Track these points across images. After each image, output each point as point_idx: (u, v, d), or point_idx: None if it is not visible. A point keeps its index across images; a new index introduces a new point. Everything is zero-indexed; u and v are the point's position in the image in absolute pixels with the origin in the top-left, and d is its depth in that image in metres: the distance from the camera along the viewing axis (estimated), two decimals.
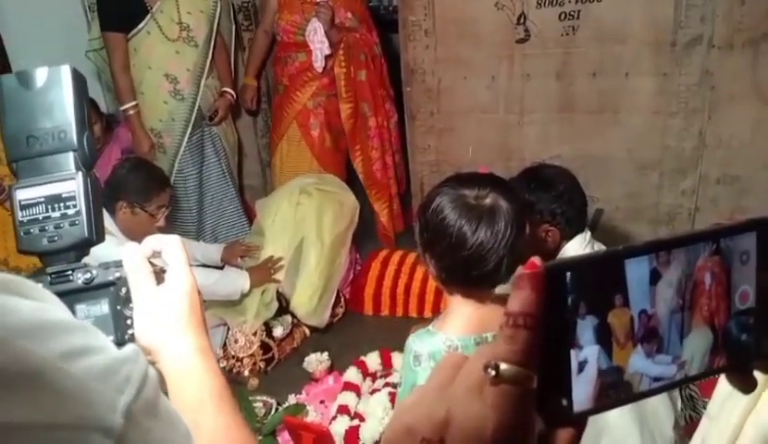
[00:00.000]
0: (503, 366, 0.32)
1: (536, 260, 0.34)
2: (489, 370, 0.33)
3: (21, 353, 0.33)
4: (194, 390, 0.60)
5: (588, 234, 1.75)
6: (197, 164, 2.97)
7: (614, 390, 0.37)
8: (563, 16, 2.78)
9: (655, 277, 0.37)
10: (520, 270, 0.35)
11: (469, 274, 1.24)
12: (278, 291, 2.72)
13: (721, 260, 0.39)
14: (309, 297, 2.70)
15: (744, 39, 2.53)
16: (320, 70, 3.00)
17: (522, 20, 2.86)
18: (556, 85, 2.90)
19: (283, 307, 2.73)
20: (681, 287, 0.38)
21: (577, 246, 1.71)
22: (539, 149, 2.88)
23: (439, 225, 1.23)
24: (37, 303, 0.39)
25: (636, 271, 0.36)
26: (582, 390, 0.36)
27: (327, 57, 2.99)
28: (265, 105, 3.32)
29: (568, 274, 0.34)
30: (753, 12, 2.49)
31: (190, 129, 2.88)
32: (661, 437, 1.56)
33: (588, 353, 0.36)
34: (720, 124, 2.68)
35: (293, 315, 2.74)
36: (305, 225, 2.77)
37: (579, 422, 0.37)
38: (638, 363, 0.37)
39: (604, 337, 0.36)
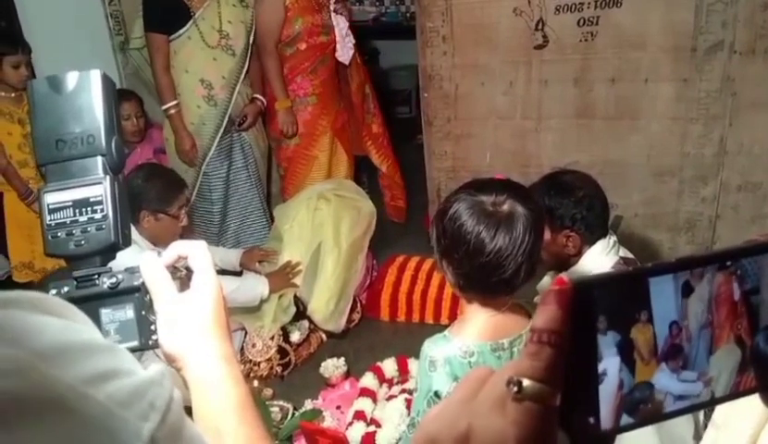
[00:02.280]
0: (526, 382, 0.32)
1: (564, 277, 0.34)
2: (512, 386, 0.33)
3: (46, 379, 0.33)
4: (218, 399, 0.60)
5: (611, 239, 1.73)
6: (225, 168, 3.00)
7: (640, 408, 0.36)
8: (581, 21, 2.77)
9: (687, 290, 0.37)
10: (548, 286, 0.34)
11: (488, 281, 1.23)
12: (295, 296, 2.73)
13: (751, 276, 0.38)
14: (326, 302, 2.71)
15: (767, 45, 2.50)
16: (347, 63, 3.05)
17: (540, 26, 2.85)
18: (574, 91, 2.88)
19: (300, 312, 2.74)
20: (711, 302, 0.37)
21: (599, 251, 1.70)
22: (557, 155, 2.86)
23: (457, 232, 1.23)
24: (64, 322, 0.38)
25: (661, 286, 0.36)
26: (607, 406, 0.35)
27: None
28: None
29: (596, 291, 0.34)
30: None
31: (220, 134, 2.92)
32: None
33: (607, 365, 0.35)
34: (741, 130, 2.65)
35: (310, 321, 2.75)
36: (323, 230, 2.78)
37: (606, 440, 0.36)
38: (663, 379, 0.37)
39: (627, 353, 0.36)
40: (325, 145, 3.12)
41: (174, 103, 2.83)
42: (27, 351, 0.33)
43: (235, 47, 2.86)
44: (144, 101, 3.06)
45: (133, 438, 0.36)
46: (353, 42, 3.04)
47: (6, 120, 2.75)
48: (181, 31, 2.78)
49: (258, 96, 3.03)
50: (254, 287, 2.57)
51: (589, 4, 2.72)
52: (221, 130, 2.92)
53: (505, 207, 1.22)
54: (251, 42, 2.92)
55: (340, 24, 2.98)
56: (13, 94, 2.76)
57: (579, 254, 1.71)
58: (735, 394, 0.39)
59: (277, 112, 3.03)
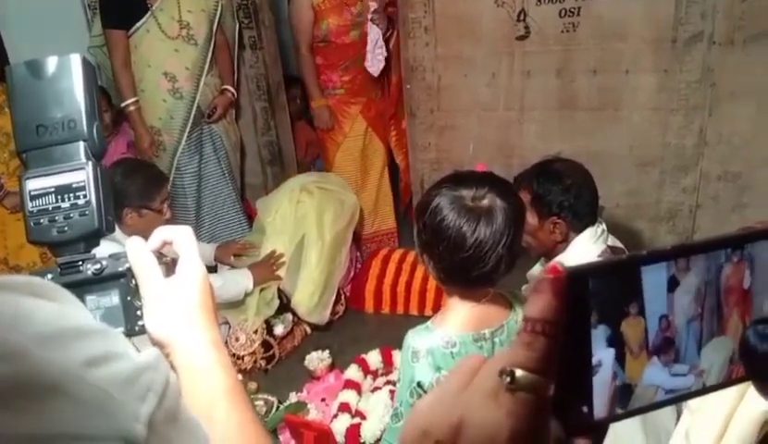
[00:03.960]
0: (519, 373, 0.32)
1: (558, 265, 0.33)
2: (505, 377, 0.32)
3: (43, 364, 0.33)
4: (208, 385, 0.59)
5: (599, 227, 1.75)
6: (196, 162, 2.96)
7: (632, 398, 0.36)
8: (563, 12, 2.78)
9: (673, 284, 0.36)
10: (542, 275, 0.34)
11: (469, 274, 1.24)
12: (279, 289, 2.71)
13: (744, 267, 0.38)
14: (310, 295, 2.70)
15: (745, 36, 2.53)
16: (376, 75, 3.08)
17: (522, 17, 2.86)
18: (557, 82, 2.90)
19: (284, 305, 2.73)
20: (700, 294, 0.37)
21: (587, 239, 1.71)
22: (540, 146, 2.87)
23: (438, 226, 1.23)
24: (58, 306, 0.38)
25: (653, 278, 0.35)
26: (600, 396, 0.35)
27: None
28: (265, 104, 3.30)
29: (590, 279, 0.34)
30: (754, 9, 2.49)
31: (189, 127, 2.87)
32: (665, 435, 1.56)
33: (602, 355, 0.35)
34: (721, 121, 2.68)
35: (294, 313, 2.74)
36: (306, 222, 2.77)
37: (599, 429, 0.36)
38: (654, 373, 0.37)
39: (617, 348, 0.35)
40: (354, 132, 3.17)
41: (133, 100, 2.78)
42: (23, 335, 0.33)
43: (197, 37, 2.81)
44: (113, 96, 3.00)
45: (131, 421, 0.36)
46: (385, 54, 3.04)
47: None
48: (139, 25, 2.72)
49: (228, 87, 3.00)
50: (239, 281, 2.55)
51: None
52: (189, 123, 2.88)
53: (485, 201, 1.23)
54: (214, 30, 2.87)
55: (373, 34, 2.99)
56: None
57: (566, 241, 1.73)
58: (726, 383, 0.38)
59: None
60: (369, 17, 2.98)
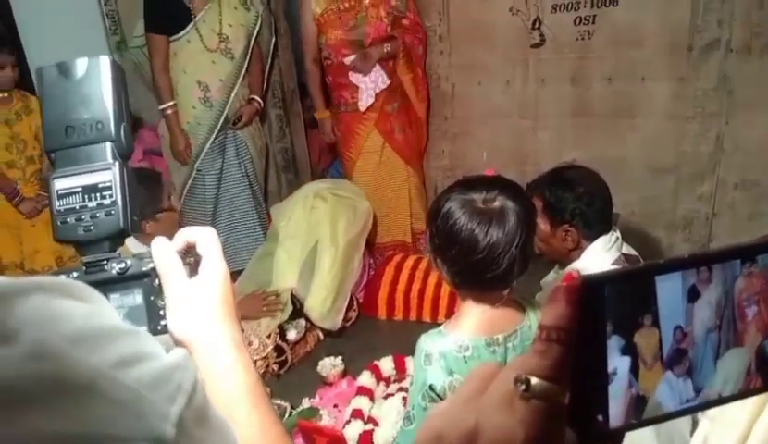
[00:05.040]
0: (534, 381, 0.32)
1: (573, 272, 0.34)
2: (520, 384, 0.32)
3: (76, 364, 0.34)
4: (229, 385, 0.59)
5: (614, 235, 1.74)
6: (218, 165, 3.00)
7: (646, 409, 0.36)
8: (578, 20, 2.78)
9: (694, 294, 0.36)
10: (553, 282, 0.34)
11: (482, 277, 1.24)
12: (292, 294, 2.72)
13: (762, 276, 0.37)
14: (323, 300, 2.70)
15: (763, 43, 2.52)
16: (363, 109, 2.98)
17: (537, 25, 2.86)
18: (571, 90, 2.89)
19: (297, 310, 2.73)
20: (720, 305, 0.37)
21: (600, 247, 1.70)
22: (554, 154, 2.87)
23: (450, 230, 1.23)
24: (89, 307, 0.39)
25: (668, 288, 0.35)
26: (615, 404, 0.35)
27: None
28: (280, 111, 3.33)
29: (606, 287, 0.34)
30: None
31: (214, 135, 2.92)
32: (680, 441, 1.55)
33: (618, 363, 0.35)
34: (738, 129, 2.66)
35: (307, 319, 2.74)
36: (320, 228, 2.78)
37: (615, 438, 0.36)
38: (669, 384, 0.36)
39: (631, 359, 0.35)
40: (368, 148, 3.10)
41: (171, 103, 2.83)
42: (59, 336, 0.34)
43: (234, 51, 2.86)
44: (140, 99, 3.05)
45: (161, 421, 0.37)
46: (383, 85, 2.95)
47: None
48: (181, 34, 2.78)
49: (255, 97, 3.03)
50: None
51: (586, 2, 2.73)
52: (216, 131, 2.92)
53: (496, 203, 1.23)
54: (251, 44, 2.91)
55: (359, 79, 2.94)
56: (0, 95, 2.74)
57: (578, 249, 1.72)
58: (744, 393, 0.38)
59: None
60: (348, 63, 2.91)
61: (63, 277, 0.57)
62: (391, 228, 3.21)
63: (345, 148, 3.16)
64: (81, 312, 0.37)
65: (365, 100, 2.96)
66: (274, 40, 3.13)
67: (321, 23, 2.94)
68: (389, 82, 2.95)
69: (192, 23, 2.76)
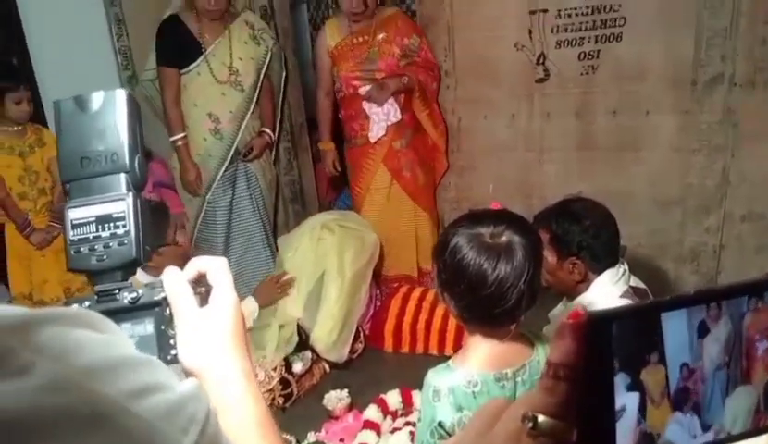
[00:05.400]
0: (541, 418, 0.32)
1: (579, 309, 0.34)
2: (527, 422, 0.32)
3: (92, 395, 0.34)
4: (239, 415, 0.59)
5: (621, 268, 1.73)
6: (229, 197, 3.02)
7: None
8: (582, 56, 2.82)
9: (703, 331, 0.36)
10: (560, 315, 0.34)
11: (490, 312, 1.23)
12: (298, 325, 2.71)
13: None
14: (329, 331, 2.69)
15: (766, 77, 2.54)
16: (373, 140, 3.00)
17: (541, 60, 2.90)
18: (576, 123, 2.92)
19: (303, 342, 2.72)
20: (729, 342, 0.36)
21: (608, 279, 1.70)
22: (560, 186, 2.87)
23: (458, 265, 1.23)
24: (105, 336, 0.39)
25: (674, 325, 0.35)
26: (623, 442, 0.35)
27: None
28: (288, 144, 3.37)
29: (613, 324, 0.34)
30: None
31: (225, 167, 2.95)
32: None
33: (626, 401, 0.35)
34: (744, 161, 2.67)
35: (313, 351, 2.72)
36: (326, 259, 2.78)
37: None
38: (676, 423, 0.36)
39: (640, 393, 0.35)
40: (377, 184, 3.10)
41: (182, 135, 2.87)
42: (72, 366, 0.34)
43: (244, 83, 2.91)
44: (150, 132, 3.09)
45: None
46: (395, 119, 2.96)
47: (6, 153, 2.77)
48: (192, 67, 2.83)
49: (266, 130, 3.07)
50: (244, 307, 2.56)
51: (590, 38, 2.77)
52: (226, 163, 2.95)
53: (504, 238, 1.23)
54: (261, 77, 2.96)
55: (372, 109, 2.96)
56: (15, 128, 2.79)
57: (585, 281, 1.71)
58: (752, 432, 0.38)
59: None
60: (362, 93, 2.94)
61: (75, 305, 0.58)
62: (398, 262, 3.21)
63: (354, 183, 3.18)
64: (97, 342, 0.38)
65: (375, 131, 2.98)
66: (284, 74, 3.17)
67: (335, 55, 3.00)
68: (400, 117, 2.97)
69: (202, 56, 2.82)
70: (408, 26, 3.02)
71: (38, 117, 2.88)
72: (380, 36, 2.94)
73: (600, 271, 1.71)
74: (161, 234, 2.22)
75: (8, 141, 2.78)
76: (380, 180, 3.10)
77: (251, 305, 2.62)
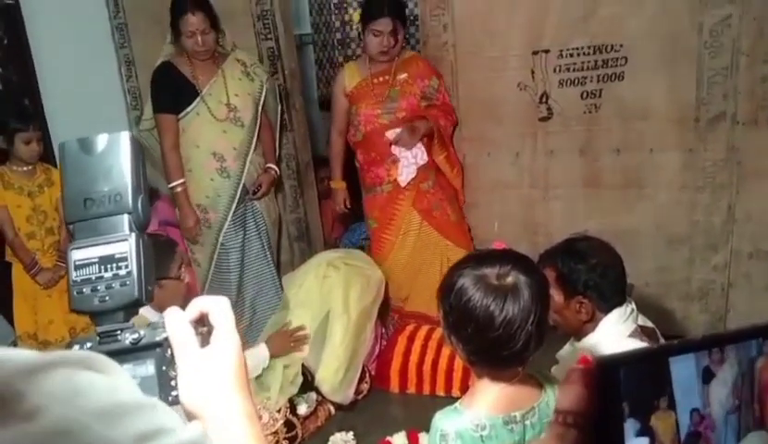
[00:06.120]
0: None
1: (588, 355, 0.34)
2: None
3: (98, 440, 0.34)
4: None
5: (629, 307, 1.71)
6: (240, 238, 3.01)
7: None
8: (585, 95, 2.85)
9: (708, 376, 0.36)
10: (568, 354, 0.34)
11: (498, 354, 1.22)
12: (303, 366, 2.68)
13: None
14: (334, 372, 2.66)
15: None
16: (404, 184, 2.98)
17: (544, 99, 2.93)
18: (580, 161, 2.93)
19: (308, 382, 2.68)
20: (737, 386, 0.36)
21: (616, 319, 1.68)
22: (565, 224, 2.87)
23: (464, 307, 1.22)
24: (111, 380, 0.40)
25: (682, 369, 0.35)
26: None
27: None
28: (294, 182, 3.39)
29: (622, 369, 0.33)
30: None
31: (235, 204, 2.95)
32: None
33: None
34: (749, 199, 2.67)
35: (318, 392, 2.69)
36: (332, 297, 2.77)
37: None
38: None
39: (648, 439, 0.34)
40: (406, 226, 3.07)
41: (181, 181, 2.87)
42: (81, 411, 0.35)
43: (244, 119, 2.92)
44: (157, 171, 3.11)
45: None
46: (422, 162, 2.96)
47: (15, 193, 2.80)
48: (190, 108, 2.85)
49: (271, 166, 3.09)
50: (256, 354, 2.54)
51: (592, 78, 2.81)
52: (236, 201, 2.95)
53: (510, 279, 1.22)
54: (259, 112, 2.99)
55: (401, 152, 2.96)
56: (25, 168, 2.82)
57: (593, 320, 1.69)
58: None
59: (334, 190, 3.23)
60: (391, 138, 2.94)
61: (77, 347, 0.58)
62: (419, 299, 3.12)
63: (382, 231, 3.11)
64: (104, 385, 0.38)
65: (405, 175, 2.96)
66: (280, 108, 3.19)
67: (353, 95, 3.03)
68: (426, 159, 2.97)
69: (198, 97, 2.84)
70: (428, 68, 3.04)
71: (47, 156, 2.92)
72: (401, 76, 2.98)
73: (607, 310, 1.69)
74: (165, 267, 2.22)
75: (18, 180, 2.81)
76: (410, 223, 3.07)
77: (263, 353, 2.58)
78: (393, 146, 2.95)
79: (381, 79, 3.00)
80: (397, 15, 2.92)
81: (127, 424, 0.37)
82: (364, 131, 3.01)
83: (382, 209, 3.09)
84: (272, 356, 2.59)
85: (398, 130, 2.93)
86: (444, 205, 3.08)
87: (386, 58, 2.95)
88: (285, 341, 2.67)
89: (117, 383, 0.40)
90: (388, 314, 3.17)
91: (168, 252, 2.29)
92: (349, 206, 3.25)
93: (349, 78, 3.05)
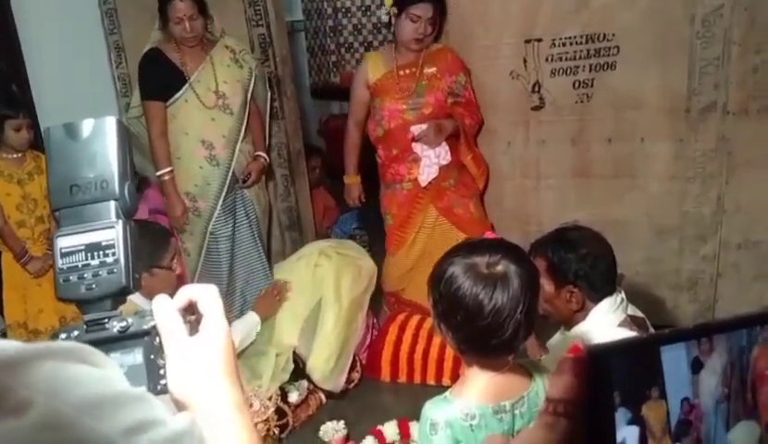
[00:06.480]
0: None
1: (579, 344, 0.34)
2: None
3: (89, 433, 0.34)
4: None
5: (618, 296, 1.73)
6: (230, 227, 2.99)
7: None
8: (576, 84, 2.85)
9: (696, 366, 0.36)
10: (559, 344, 0.34)
11: (488, 343, 1.23)
12: (294, 353, 2.69)
13: None
14: (325, 360, 2.67)
15: (759, 105, 2.57)
16: (424, 184, 2.87)
17: (537, 89, 2.93)
18: (572, 151, 2.93)
19: (299, 369, 2.69)
20: (726, 375, 0.36)
21: (606, 309, 1.69)
22: (557, 213, 2.87)
23: (454, 295, 1.22)
24: (99, 372, 0.39)
25: (673, 358, 0.35)
26: None
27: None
28: (285, 171, 3.38)
29: (612, 358, 0.33)
30: (766, 80, 2.54)
31: (224, 193, 2.93)
32: None
33: (626, 434, 0.34)
34: (738, 189, 2.68)
35: (309, 380, 2.70)
36: (323, 286, 2.78)
37: None
38: None
39: (639, 432, 0.34)
40: (422, 224, 2.98)
41: (168, 169, 2.84)
42: (70, 403, 0.34)
43: (233, 106, 2.90)
44: (147, 158, 3.08)
45: None
46: (445, 162, 2.85)
47: (5, 181, 2.77)
48: (178, 95, 2.82)
49: (261, 154, 3.07)
50: (247, 321, 2.58)
51: (584, 67, 2.80)
52: (225, 189, 2.93)
53: (500, 268, 1.23)
54: (248, 99, 2.96)
55: (423, 150, 2.84)
56: (14, 156, 2.79)
57: (583, 310, 1.71)
58: None
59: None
60: (415, 134, 2.81)
61: (63, 335, 0.57)
62: (417, 291, 3.01)
63: (397, 228, 3.02)
64: (92, 377, 0.38)
65: (426, 175, 2.85)
66: (271, 95, 3.17)
67: (377, 88, 2.89)
68: (449, 159, 2.86)
69: (187, 84, 2.81)
70: (456, 62, 2.90)
71: (38, 144, 2.88)
72: (430, 70, 2.84)
73: (597, 300, 1.70)
74: (158, 256, 2.21)
75: (7, 168, 2.78)
76: (426, 220, 2.98)
77: (253, 319, 2.61)
78: (415, 144, 2.83)
79: (408, 71, 2.86)
80: (439, 0, 2.79)
81: (116, 416, 0.36)
82: (387, 127, 2.88)
83: (401, 206, 2.99)
84: (262, 319, 2.62)
85: (423, 126, 2.80)
86: (466, 202, 2.97)
87: (418, 47, 2.81)
88: (271, 300, 2.71)
89: (105, 375, 0.39)
90: (381, 305, 3.18)
91: (163, 241, 2.28)
92: (363, 200, 3.16)
93: (373, 69, 2.91)
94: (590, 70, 2.80)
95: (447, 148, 2.84)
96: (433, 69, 2.84)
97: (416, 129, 2.81)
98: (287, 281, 2.77)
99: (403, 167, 2.91)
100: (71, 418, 0.33)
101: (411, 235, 2.99)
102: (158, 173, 2.86)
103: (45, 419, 0.32)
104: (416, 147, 2.83)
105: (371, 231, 3.79)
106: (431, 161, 2.84)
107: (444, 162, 2.85)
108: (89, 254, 0.59)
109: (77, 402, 0.35)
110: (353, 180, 3.13)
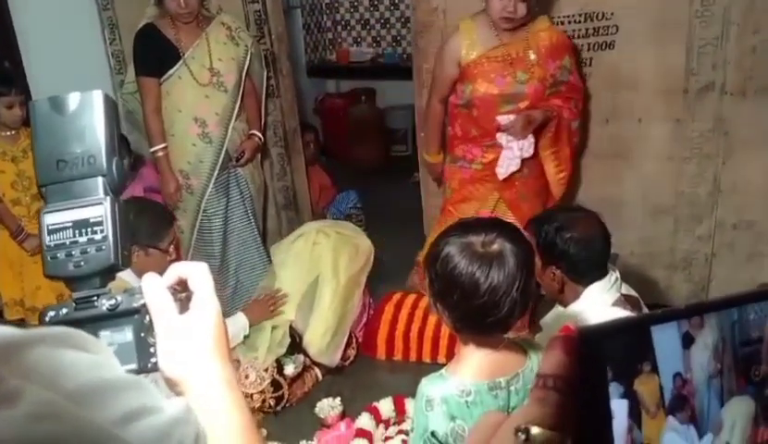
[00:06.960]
0: (535, 430, 0.32)
1: (570, 324, 0.34)
2: (521, 434, 0.32)
3: (82, 422, 0.33)
4: (221, 424, 0.58)
5: (612, 276, 1.74)
6: (223, 205, 2.99)
7: None
8: None
9: (688, 340, 0.36)
10: (552, 322, 0.34)
11: (483, 321, 1.24)
12: (291, 327, 2.70)
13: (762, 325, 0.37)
14: (322, 335, 2.68)
15: (756, 86, 2.56)
16: (502, 178, 2.60)
17: None
18: None
19: (296, 344, 2.71)
20: (718, 351, 0.36)
21: (599, 289, 1.70)
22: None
23: (450, 274, 1.23)
24: (93, 358, 0.39)
25: (664, 336, 0.35)
26: None
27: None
28: (281, 150, 3.36)
29: (604, 339, 0.34)
30: (764, 61, 2.52)
31: (217, 171, 2.92)
32: None
33: (614, 406, 0.34)
34: (734, 170, 2.68)
35: (306, 354, 2.72)
36: (321, 263, 2.79)
37: None
38: (673, 432, 0.36)
39: (632, 407, 0.35)
40: (480, 210, 2.68)
41: (162, 146, 2.83)
42: (61, 392, 0.34)
43: (227, 84, 2.88)
44: (141, 136, 3.07)
45: None
46: (527, 154, 2.56)
47: None
48: (171, 72, 2.80)
49: (255, 132, 3.05)
50: (235, 323, 2.56)
51: (583, 46, 2.78)
52: (218, 167, 2.92)
53: (495, 246, 1.23)
54: (243, 77, 2.94)
55: (508, 141, 2.54)
56: (8, 133, 2.77)
57: (563, 292, 1.73)
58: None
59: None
60: (501, 124, 2.53)
61: (52, 313, 0.57)
62: None
63: (453, 205, 2.77)
64: (85, 364, 0.37)
65: (506, 168, 2.58)
66: (267, 73, 3.14)
67: (470, 70, 2.55)
68: (532, 152, 2.57)
69: (181, 61, 2.79)
70: (564, 44, 2.57)
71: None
72: (533, 57, 2.52)
73: (582, 284, 1.72)
74: (160, 235, 2.21)
75: (1, 146, 2.77)
76: (485, 205, 2.70)
77: (241, 321, 2.59)
78: (500, 134, 2.55)
79: (514, 54, 2.52)
80: None
81: (111, 404, 0.36)
82: (474, 114, 2.61)
83: (462, 184, 2.73)
84: (251, 324, 2.61)
85: (511, 117, 2.51)
86: (534, 197, 2.68)
87: (509, 26, 2.48)
88: (263, 308, 2.69)
89: (98, 361, 0.39)
90: (378, 285, 3.18)
91: (166, 224, 2.28)
92: (443, 179, 2.89)
93: (468, 46, 2.55)
94: (589, 49, 2.77)
95: (532, 140, 2.56)
96: (535, 57, 2.52)
97: (504, 120, 2.53)
98: (285, 293, 2.75)
99: (478, 150, 2.65)
100: (64, 408, 0.33)
101: (460, 213, 2.67)
102: (152, 149, 2.85)
103: (37, 409, 0.32)
104: (501, 138, 2.55)
105: (367, 212, 3.79)
106: (513, 154, 2.56)
107: (527, 155, 2.57)
108: (77, 231, 0.58)
109: (70, 391, 0.34)
110: (436, 159, 2.90)
